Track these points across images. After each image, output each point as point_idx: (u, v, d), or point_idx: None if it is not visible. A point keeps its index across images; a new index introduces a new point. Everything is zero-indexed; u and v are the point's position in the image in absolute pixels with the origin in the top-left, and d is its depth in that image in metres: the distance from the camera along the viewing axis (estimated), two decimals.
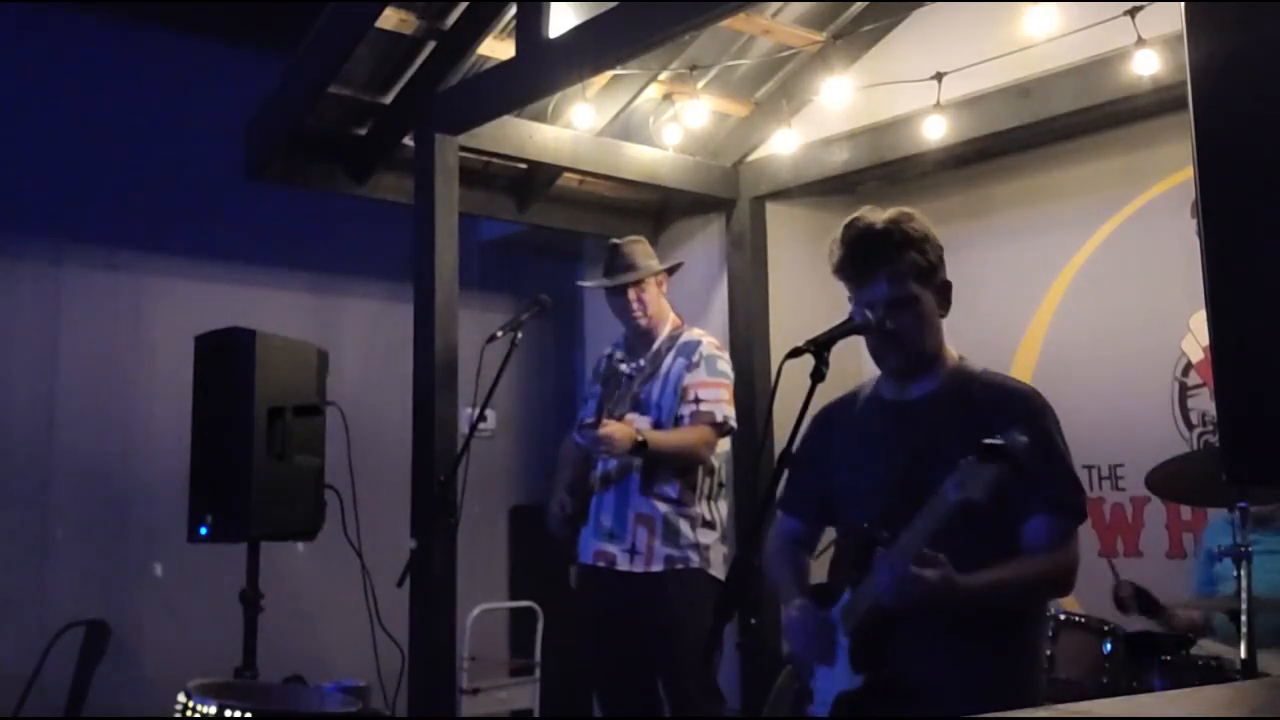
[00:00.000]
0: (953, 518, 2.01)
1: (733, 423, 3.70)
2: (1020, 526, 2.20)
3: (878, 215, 2.35)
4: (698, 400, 3.64)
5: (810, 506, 2.53)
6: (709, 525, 3.68)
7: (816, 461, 2.48)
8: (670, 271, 3.91)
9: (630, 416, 3.67)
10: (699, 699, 3.57)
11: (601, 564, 3.69)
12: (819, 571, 2.53)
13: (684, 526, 3.63)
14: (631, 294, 3.77)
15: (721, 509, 3.77)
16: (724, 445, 3.79)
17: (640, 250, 3.85)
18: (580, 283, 3.76)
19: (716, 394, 3.67)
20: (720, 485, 3.76)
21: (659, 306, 3.82)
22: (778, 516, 2.61)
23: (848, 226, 2.36)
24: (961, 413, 2.26)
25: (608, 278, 3.83)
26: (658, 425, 3.68)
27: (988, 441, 1.95)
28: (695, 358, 3.70)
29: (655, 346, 3.79)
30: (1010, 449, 1.94)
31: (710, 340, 3.80)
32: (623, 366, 3.82)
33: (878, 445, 2.35)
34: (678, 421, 3.65)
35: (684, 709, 3.59)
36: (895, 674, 2.18)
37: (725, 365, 3.76)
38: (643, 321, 3.79)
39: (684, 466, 3.64)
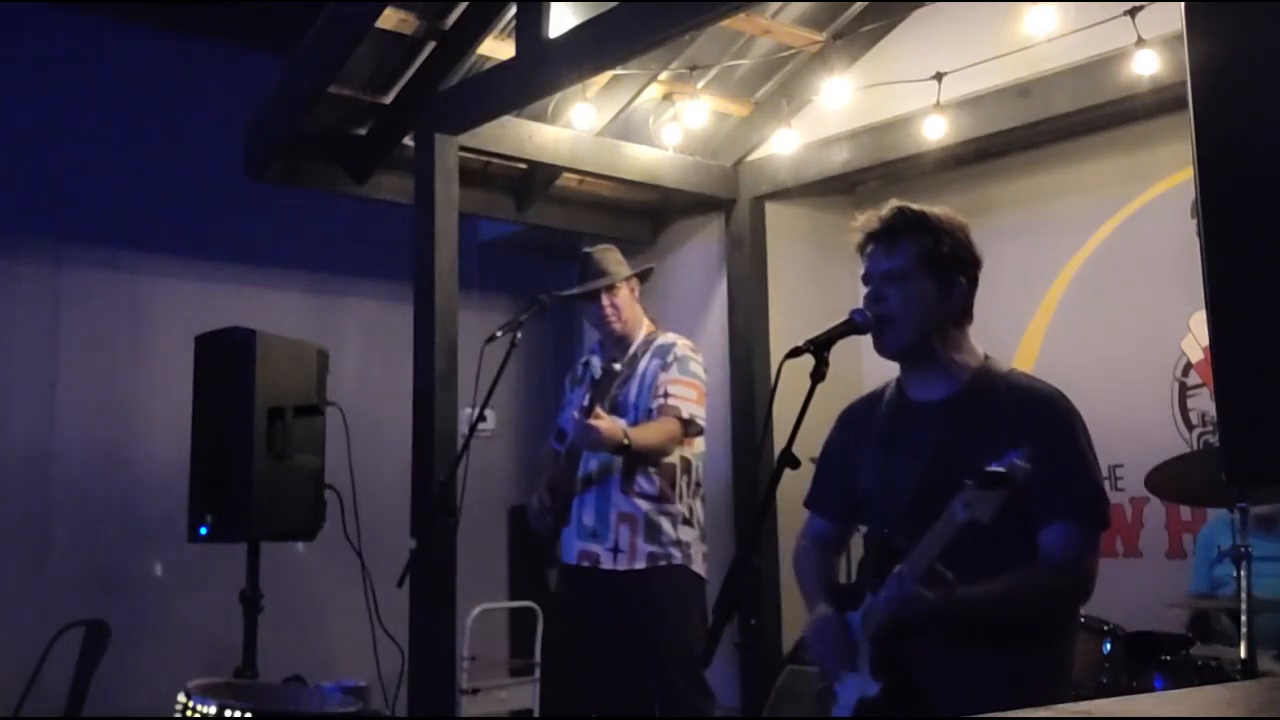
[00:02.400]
0: (962, 536, 2.00)
1: (700, 422, 3.75)
2: (1038, 534, 2.18)
3: (913, 204, 2.36)
4: (666, 395, 3.71)
5: (837, 506, 2.52)
6: (688, 523, 3.75)
7: (841, 461, 2.47)
8: (641, 277, 3.95)
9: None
10: (687, 695, 3.60)
11: (585, 563, 3.74)
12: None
13: (665, 524, 3.69)
14: (604, 299, 3.82)
15: (699, 507, 3.83)
16: (699, 445, 3.84)
17: (611, 258, 3.90)
18: (556, 293, 3.82)
19: (686, 392, 3.73)
20: (698, 484, 3.82)
21: (632, 312, 3.88)
22: (806, 515, 2.61)
23: (882, 209, 2.37)
24: (983, 416, 2.23)
25: (580, 286, 3.87)
26: (633, 426, 3.73)
27: (988, 470, 1.94)
28: (669, 359, 3.77)
29: (631, 351, 3.84)
30: (1011, 476, 1.93)
31: (684, 343, 3.86)
32: (596, 368, 3.86)
33: (901, 446, 2.33)
34: (648, 415, 3.72)
35: (673, 705, 3.61)
36: (913, 682, 2.18)
37: (698, 367, 3.82)
38: (617, 326, 3.84)
39: (656, 462, 3.70)
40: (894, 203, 2.36)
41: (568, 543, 3.80)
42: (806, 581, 2.52)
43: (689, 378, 3.76)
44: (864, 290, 2.37)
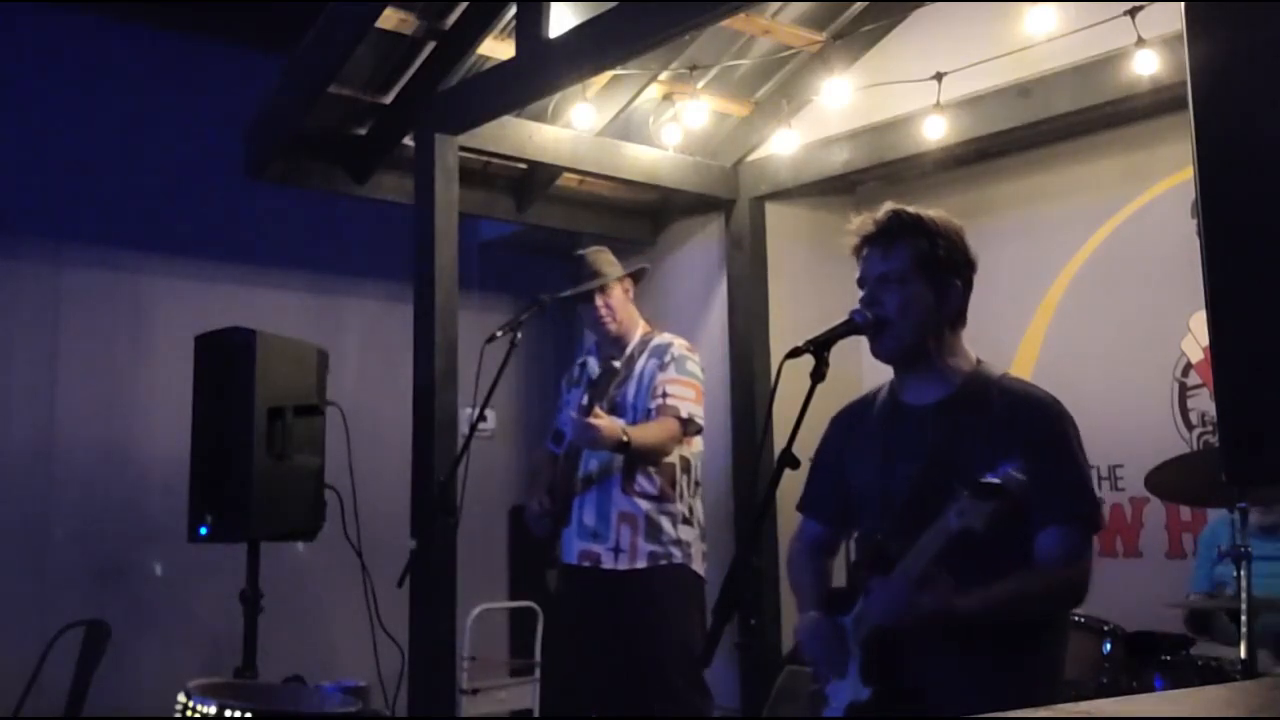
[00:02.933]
0: (955, 544, 2.00)
1: (699, 421, 3.76)
2: (1034, 537, 2.18)
3: (908, 207, 2.36)
4: (665, 395, 3.72)
5: (830, 509, 2.53)
6: (688, 522, 3.76)
7: (835, 464, 2.47)
8: (635, 277, 3.95)
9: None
10: (687, 695, 3.60)
11: (586, 563, 3.74)
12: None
13: (665, 523, 3.70)
14: (599, 300, 3.83)
15: (699, 507, 3.84)
16: (698, 445, 3.85)
17: (603, 259, 3.92)
18: (549, 294, 3.83)
19: (684, 391, 3.74)
20: (697, 484, 3.83)
21: (627, 312, 3.89)
22: (800, 519, 2.61)
23: (875, 211, 2.37)
24: (977, 420, 2.24)
25: (574, 288, 3.89)
26: (632, 426, 3.73)
27: (983, 481, 1.95)
28: (666, 358, 3.78)
29: (628, 351, 3.85)
30: (1006, 488, 1.94)
31: (681, 342, 3.87)
32: (593, 368, 3.86)
33: (894, 451, 2.33)
34: (646, 416, 3.73)
35: (672, 705, 3.61)
36: (902, 687, 2.18)
37: (695, 366, 3.83)
38: (612, 326, 3.86)
39: (655, 462, 3.70)
40: (889, 205, 2.36)
41: (568, 543, 3.80)
42: (799, 585, 2.53)
43: (687, 377, 3.77)
44: (859, 293, 2.37)
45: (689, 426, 3.74)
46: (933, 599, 2.04)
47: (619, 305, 3.86)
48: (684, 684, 3.61)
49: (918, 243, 2.29)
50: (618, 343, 3.87)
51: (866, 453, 2.40)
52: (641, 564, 3.67)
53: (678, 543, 3.70)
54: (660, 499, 3.71)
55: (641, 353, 3.83)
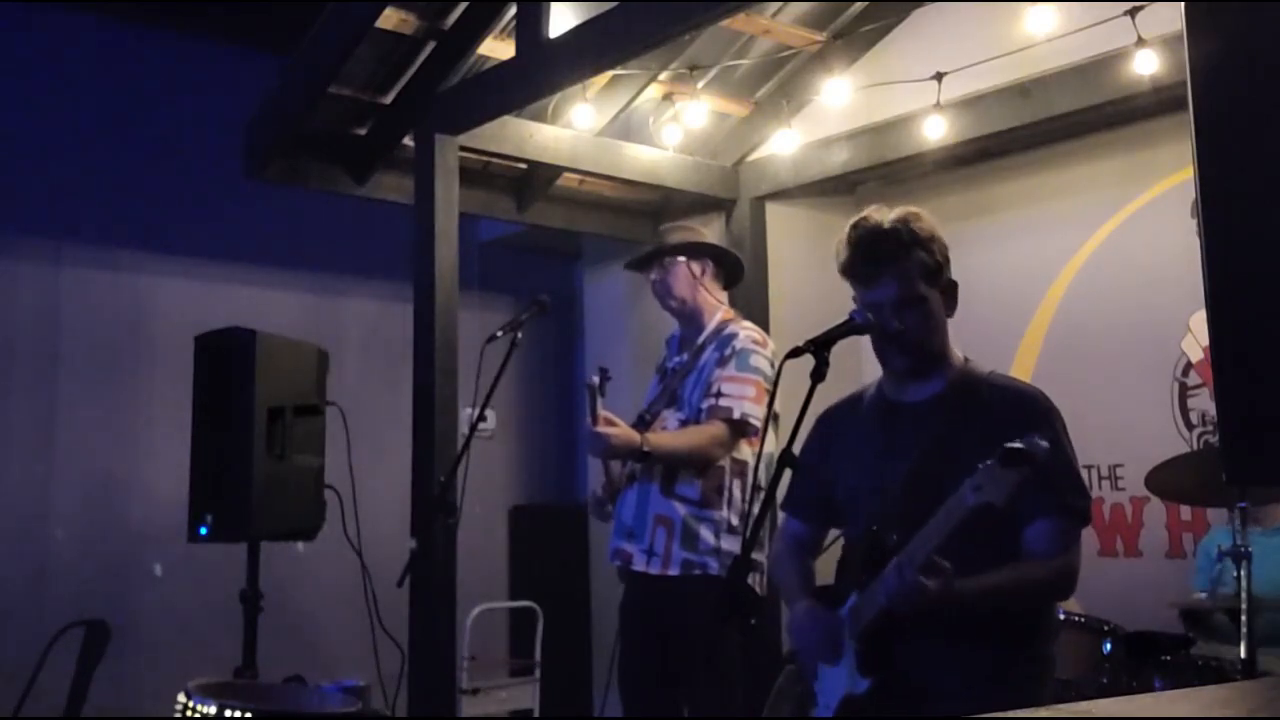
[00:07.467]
0: (968, 521, 1.99)
1: (754, 422, 3.46)
2: (1023, 530, 2.20)
3: (884, 215, 2.34)
4: (718, 395, 3.47)
5: (814, 508, 2.53)
6: (735, 531, 3.48)
7: (820, 463, 2.47)
8: (687, 252, 3.70)
9: (665, 413, 3.63)
10: (716, 709, 3.43)
11: (618, 562, 3.61)
12: (824, 571, 2.53)
13: (704, 531, 3.45)
14: (655, 274, 3.70)
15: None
16: (768, 445, 3.55)
17: (674, 235, 3.78)
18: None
19: (741, 390, 3.47)
20: (756, 488, 3.53)
21: (695, 294, 3.68)
22: (782, 518, 2.62)
23: (854, 226, 2.34)
24: (969, 415, 2.25)
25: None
26: (688, 422, 3.55)
27: (1010, 446, 1.92)
28: (728, 351, 3.53)
29: (700, 339, 3.65)
30: (1033, 454, 1.93)
31: (749, 333, 3.59)
32: (669, 356, 3.78)
33: (884, 448, 2.34)
34: (696, 416, 3.52)
35: (698, 714, 3.52)
36: (903, 678, 2.18)
37: (760, 361, 3.53)
38: (671, 303, 3.69)
39: (700, 467, 3.48)
40: (875, 221, 2.33)
41: (611, 539, 3.66)
42: (786, 579, 2.53)
43: (747, 373, 3.49)
44: (862, 310, 2.34)
45: (744, 429, 3.46)
46: (935, 582, 2.05)
47: (679, 284, 3.66)
48: (712, 699, 3.44)
49: (921, 256, 2.30)
50: (691, 326, 3.69)
51: (857, 451, 2.41)
52: (674, 571, 3.45)
53: (716, 553, 3.43)
54: (701, 505, 3.46)
55: (711, 342, 3.60)
